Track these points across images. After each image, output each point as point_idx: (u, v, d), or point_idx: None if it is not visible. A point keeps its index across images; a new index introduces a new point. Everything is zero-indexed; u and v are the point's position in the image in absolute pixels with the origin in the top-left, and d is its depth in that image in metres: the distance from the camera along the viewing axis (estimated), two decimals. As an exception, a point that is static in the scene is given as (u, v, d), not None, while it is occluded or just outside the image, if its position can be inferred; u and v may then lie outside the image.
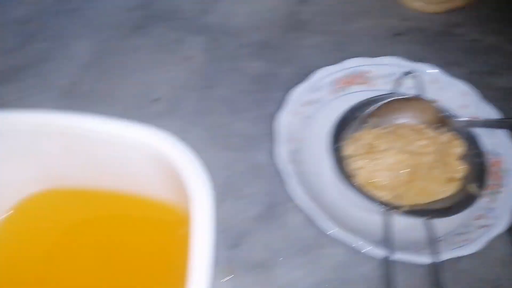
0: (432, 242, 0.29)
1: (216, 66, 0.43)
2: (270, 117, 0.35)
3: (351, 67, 0.36)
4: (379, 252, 0.28)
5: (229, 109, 0.39)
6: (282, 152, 0.32)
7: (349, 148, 0.34)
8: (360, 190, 0.32)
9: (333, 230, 0.29)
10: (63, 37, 0.45)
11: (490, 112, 0.35)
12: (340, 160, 0.33)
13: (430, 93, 0.36)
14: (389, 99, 0.35)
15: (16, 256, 0.29)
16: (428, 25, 0.47)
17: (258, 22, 0.46)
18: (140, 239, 0.29)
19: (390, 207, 0.31)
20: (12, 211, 0.29)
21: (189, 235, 0.28)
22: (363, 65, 0.36)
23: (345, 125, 0.35)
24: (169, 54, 0.43)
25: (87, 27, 0.46)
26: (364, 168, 0.33)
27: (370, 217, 0.32)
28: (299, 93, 0.35)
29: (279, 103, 0.35)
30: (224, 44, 0.44)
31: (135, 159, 0.24)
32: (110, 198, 0.29)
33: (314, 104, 0.36)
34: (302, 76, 0.36)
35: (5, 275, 0.28)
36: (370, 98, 0.36)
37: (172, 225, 0.29)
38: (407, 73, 0.37)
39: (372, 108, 0.35)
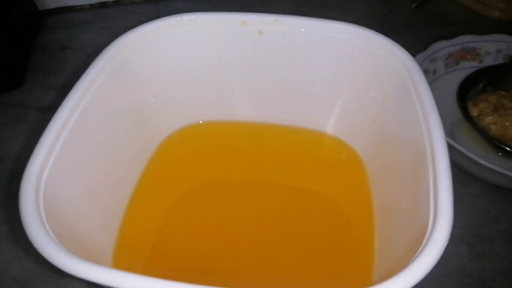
0: None
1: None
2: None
3: (464, 43, 0.38)
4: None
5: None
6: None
7: (474, 109, 0.35)
8: (498, 140, 0.32)
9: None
10: None
11: None
12: (470, 118, 0.34)
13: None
14: (505, 68, 0.37)
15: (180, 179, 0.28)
16: None
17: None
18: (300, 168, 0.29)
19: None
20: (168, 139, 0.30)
21: (354, 160, 0.28)
22: (475, 41, 0.38)
23: (465, 91, 0.36)
24: None
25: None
26: (496, 123, 0.33)
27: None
28: (419, 61, 0.36)
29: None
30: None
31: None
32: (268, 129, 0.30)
33: (429, 73, 0.37)
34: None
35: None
36: (486, 67, 0.37)
37: (332, 153, 0.29)
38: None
39: (490, 75, 0.37)
